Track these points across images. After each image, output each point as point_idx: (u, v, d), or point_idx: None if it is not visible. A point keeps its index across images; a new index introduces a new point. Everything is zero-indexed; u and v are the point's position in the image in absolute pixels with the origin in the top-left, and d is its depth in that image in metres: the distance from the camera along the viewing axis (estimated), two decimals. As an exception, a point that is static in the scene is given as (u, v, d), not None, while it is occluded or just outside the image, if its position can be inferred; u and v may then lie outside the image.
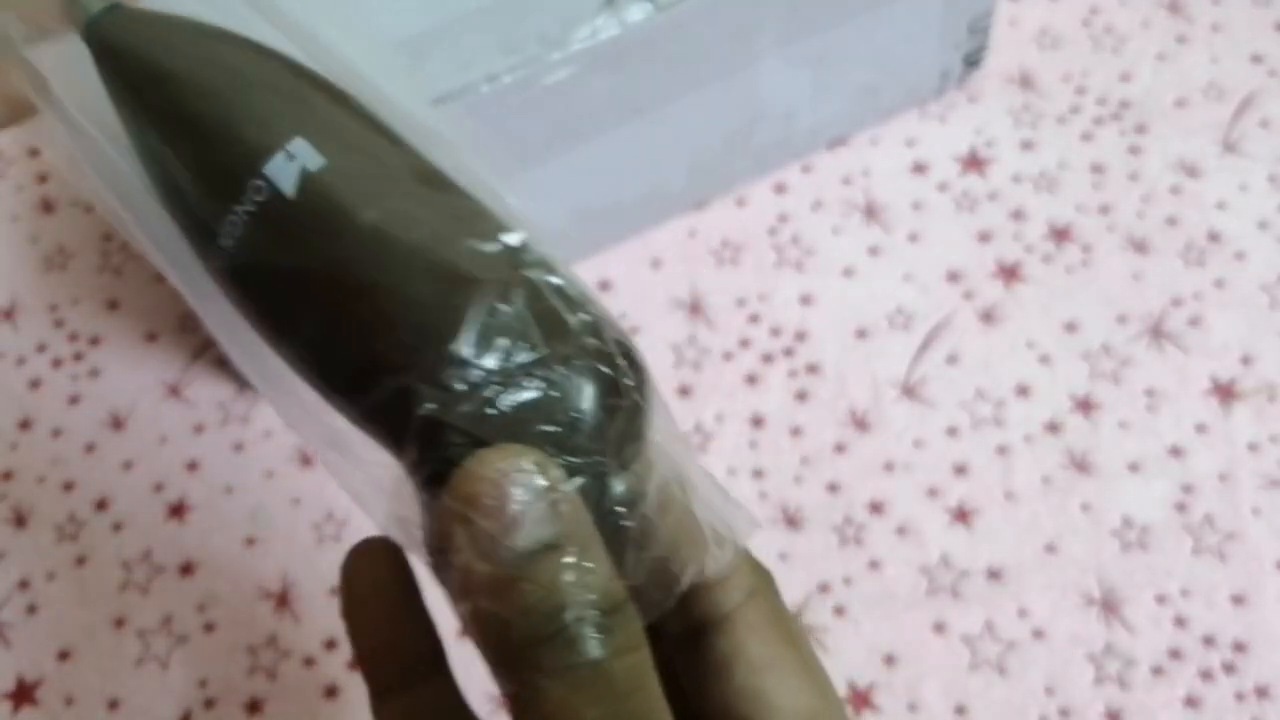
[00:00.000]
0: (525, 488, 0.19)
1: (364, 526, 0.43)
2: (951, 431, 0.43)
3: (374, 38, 0.38)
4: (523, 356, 0.20)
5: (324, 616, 0.41)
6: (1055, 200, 0.47)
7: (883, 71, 0.47)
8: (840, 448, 0.43)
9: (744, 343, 0.45)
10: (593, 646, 0.19)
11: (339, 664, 0.40)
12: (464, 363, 0.20)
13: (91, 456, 0.44)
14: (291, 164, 0.22)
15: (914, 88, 0.48)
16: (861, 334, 0.45)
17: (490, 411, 0.20)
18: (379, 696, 0.24)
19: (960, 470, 0.42)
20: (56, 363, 0.46)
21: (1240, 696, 0.38)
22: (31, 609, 0.42)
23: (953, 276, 0.46)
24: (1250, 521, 0.41)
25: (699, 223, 0.47)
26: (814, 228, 0.47)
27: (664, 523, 0.22)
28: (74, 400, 0.46)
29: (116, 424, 0.45)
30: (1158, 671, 0.39)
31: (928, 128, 0.49)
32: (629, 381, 0.21)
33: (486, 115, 0.37)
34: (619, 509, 0.21)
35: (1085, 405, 0.43)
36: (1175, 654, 0.39)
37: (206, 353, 0.46)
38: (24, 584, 0.42)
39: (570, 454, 0.20)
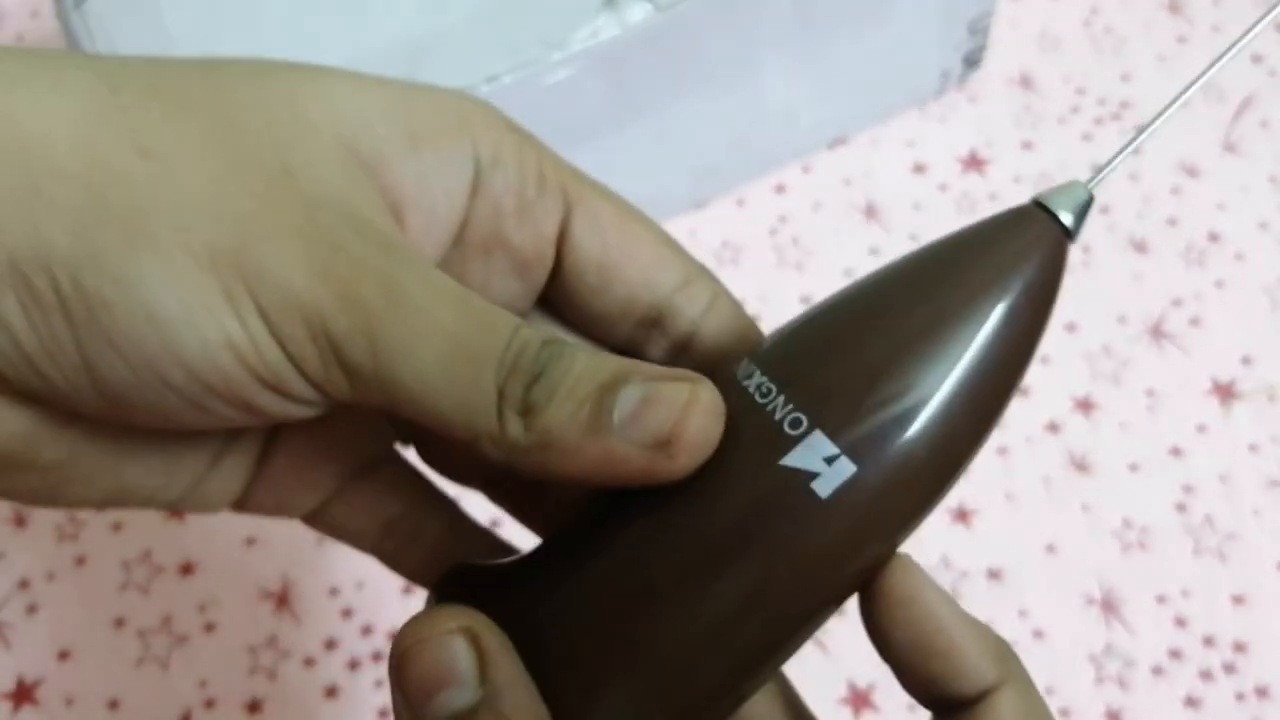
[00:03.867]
0: (450, 654, 0.20)
1: (364, 526, 0.43)
2: (951, 432, 0.43)
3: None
4: None
5: (324, 616, 0.41)
6: (1055, 201, 0.47)
7: (883, 71, 0.47)
8: (840, 448, 0.43)
9: (744, 343, 0.45)
10: None
11: (339, 664, 0.40)
12: None
13: (92, 456, 0.44)
14: None
15: (914, 88, 0.48)
16: (861, 334, 0.45)
17: None
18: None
19: (960, 470, 0.42)
20: (57, 363, 0.46)
21: (1240, 696, 0.38)
22: (31, 609, 0.42)
23: (953, 277, 0.46)
24: (1250, 522, 0.41)
25: (699, 223, 0.47)
26: (814, 228, 0.47)
27: None
28: (74, 400, 0.46)
29: (117, 424, 0.45)
30: (1158, 671, 0.39)
31: (928, 128, 0.49)
32: None
33: (487, 115, 0.37)
34: None
35: (1085, 405, 0.43)
36: (1175, 654, 0.39)
37: (207, 353, 0.46)
38: (24, 584, 0.42)
39: None
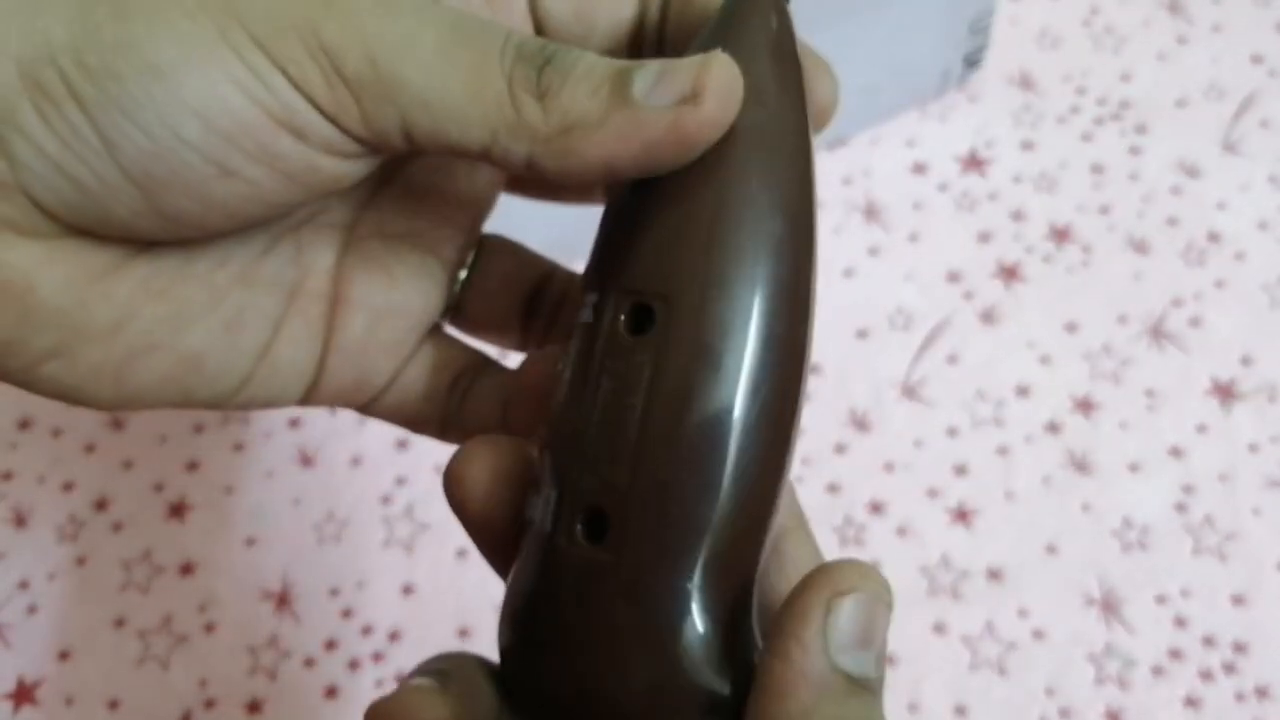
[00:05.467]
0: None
1: (364, 527, 0.43)
2: (951, 431, 0.43)
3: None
4: None
5: (324, 616, 0.41)
6: (1055, 200, 0.47)
7: (883, 71, 0.47)
8: (840, 448, 0.43)
9: (744, 343, 0.45)
10: None
11: (339, 664, 0.40)
12: None
13: (91, 456, 0.44)
14: None
15: (914, 88, 0.48)
16: (861, 334, 0.45)
17: None
18: None
19: (960, 470, 0.42)
20: (56, 363, 0.46)
21: (1240, 696, 0.38)
22: (31, 609, 0.42)
23: (953, 276, 0.46)
24: (1250, 521, 0.41)
25: (699, 223, 0.47)
26: (814, 228, 0.47)
27: None
28: (74, 400, 0.46)
29: (116, 424, 0.45)
30: (1158, 671, 0.39)
31: (928, 128, 0.49)
32: None
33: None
34: None
35: (1085, 405, 0.43)
36: (1175, 654, 0.39)
37: (206, 353, 0.46)
38: (24, 584, 0.42)
39: None
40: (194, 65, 0.18)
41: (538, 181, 0.26)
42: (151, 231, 0.20)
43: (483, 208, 0.26)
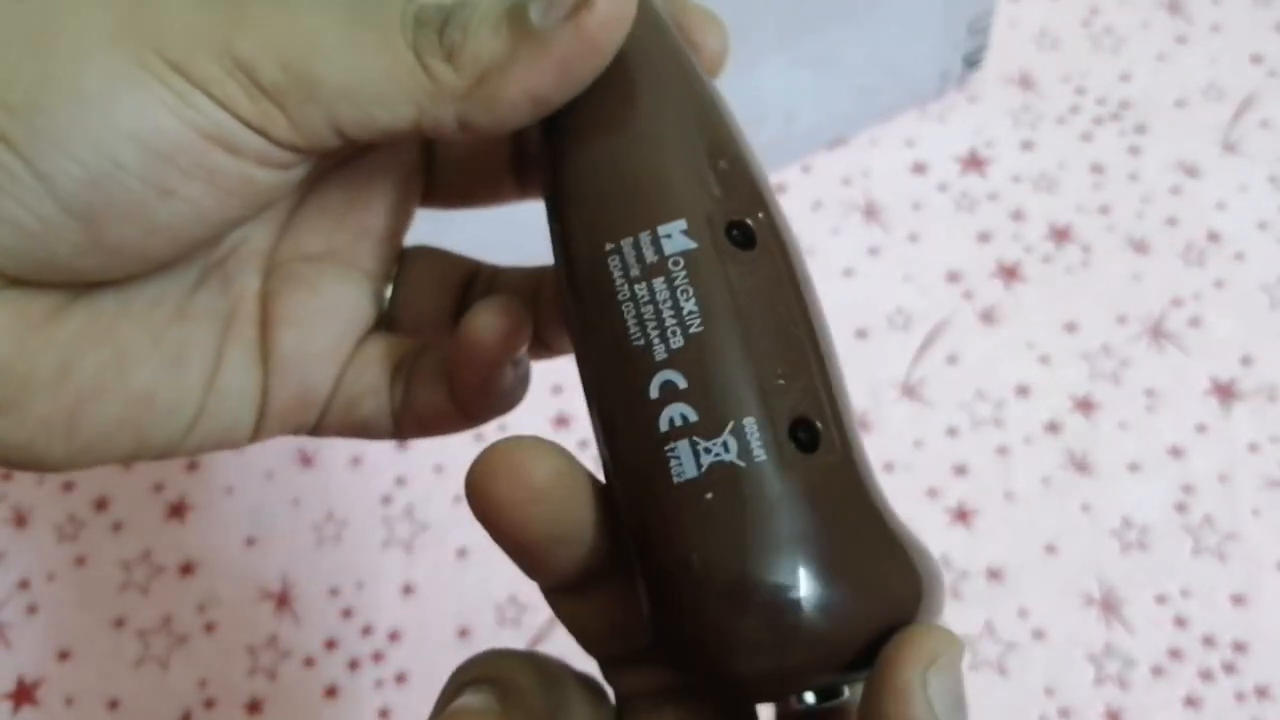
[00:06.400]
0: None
1: (364, 527, 0.43)
2: (951, 431, 0.43)
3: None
4: None
5: (324, 616, 0.41)
6: (1055, 200, 0.47)
7: (883, 72, 0.47)
8: (840, 448, 0.43)
9: (744, 343, 0.45)
10: None
11: (339, 664, 0.40)
12: None
13: (91, 457, 0.44)
14: None
15: (914, 88, 0.48)
16: (861, 334, 0.45)
17: None
18: (560, 593, 0.23)
19: (960, 470, 0.42)
20: (56, 363, 0.46)
21: (1240, 696, 0.38)
22: (31, 609, 0.42)
23: (953, 276, 0.46)
24: (1250, 521, 0.41)
25: (699, 223, 0.47)
26: (813, 228, 0.47)
27: None
28: (74, 400, 0.46)
29: (116, 424, 0.45)
30: (1158, 671, 0.39)
31: (927, 128, 0.49)
32: None
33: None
34: None
35: (1085, 405, 0.43)
36: (1175, 654, 0.39)
37: (206, 353, 0.46)
38: (24, 584, 0.42)
39: None
40: (119, 93, 0.19)
41: (454, 176, 0.27)
42: (93, 269, 0.20)
43: (400, 218, 0.26)
